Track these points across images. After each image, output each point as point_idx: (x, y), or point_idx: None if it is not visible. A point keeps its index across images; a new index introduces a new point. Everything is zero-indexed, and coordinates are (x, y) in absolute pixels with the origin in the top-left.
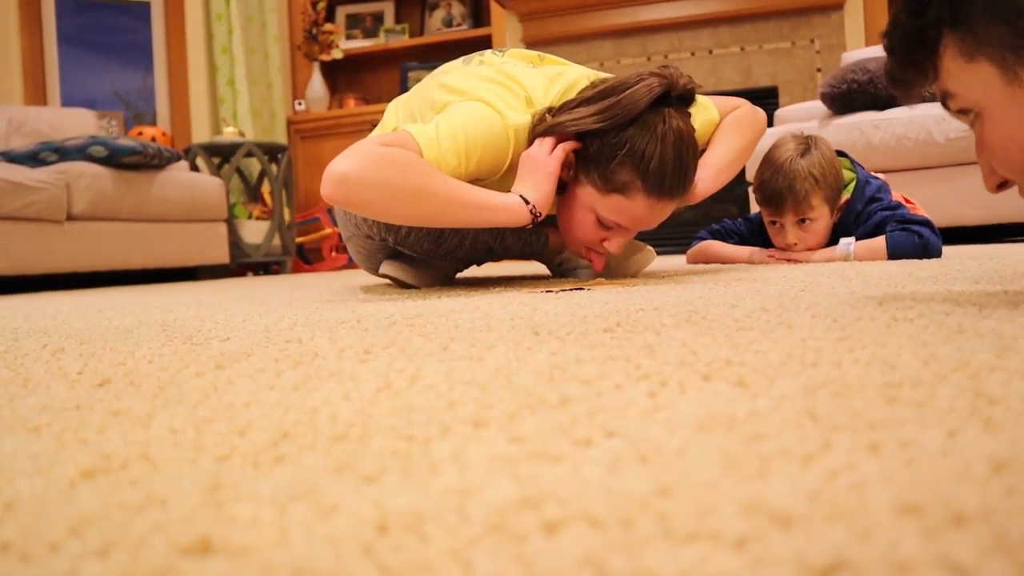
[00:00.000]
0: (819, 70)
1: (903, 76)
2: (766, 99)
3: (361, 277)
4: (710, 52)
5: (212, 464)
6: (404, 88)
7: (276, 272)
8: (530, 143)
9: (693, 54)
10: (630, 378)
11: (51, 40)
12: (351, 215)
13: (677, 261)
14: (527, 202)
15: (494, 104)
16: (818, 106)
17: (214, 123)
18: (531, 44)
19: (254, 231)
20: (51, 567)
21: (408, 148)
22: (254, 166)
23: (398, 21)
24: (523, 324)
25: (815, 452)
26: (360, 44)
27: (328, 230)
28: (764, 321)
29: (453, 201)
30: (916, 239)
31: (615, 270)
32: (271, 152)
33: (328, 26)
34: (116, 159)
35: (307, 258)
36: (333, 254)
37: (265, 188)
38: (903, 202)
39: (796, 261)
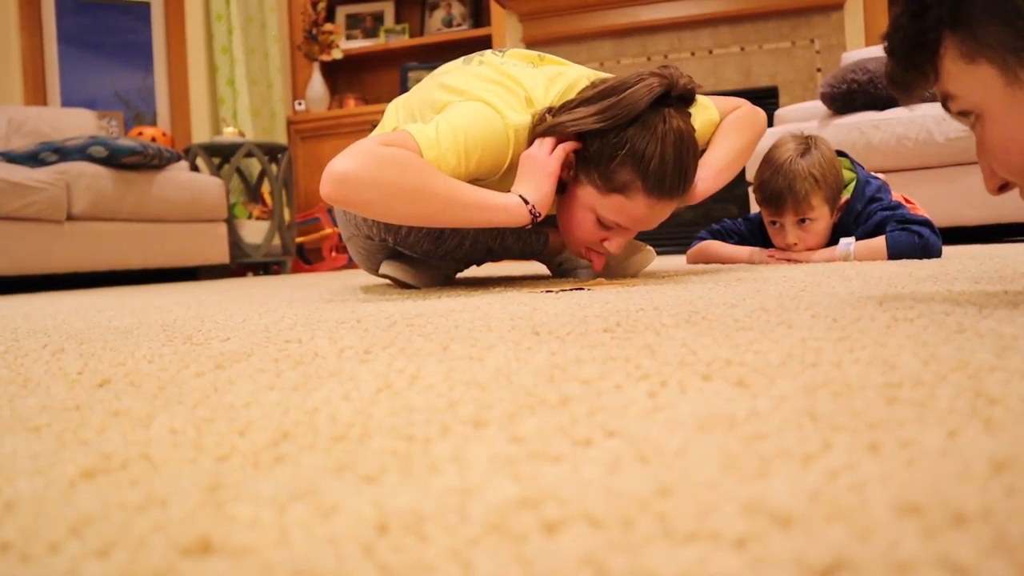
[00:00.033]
0: (819, 70)
1: (904, 78)
2: (766, 99)
3: (361, 277)
4: (710, 52)
5: (212, 464)
6: (404, 88)
7: (276, 272)
8: (530, 143)
9: (693, 54)
10: (630, 378)
11: (51, 40)
12: (351, 215)
13: (677, 261)
14: (527, 202)
15: (494, 104)
16: (818, 106)
17: (214, 123)
18: (531, 44)
19: (254, 231)
20: (51, 567)
21: (408, 148)
22: (254, 166)
23: (398, 21)
24: (523, 324)
25: (815, 452)
26: (360, 44)
27: (328, 230)
28: (764, 321)
29: (453, 201)
30: (916, 239)
31: (615, 270)
32: (271, 152)
33: (328, 26)
34: (116, 159)
35: (307, 258)
36: (333, 254)
37: (265, 188)
38: (903, 202)
39: (796, 261)
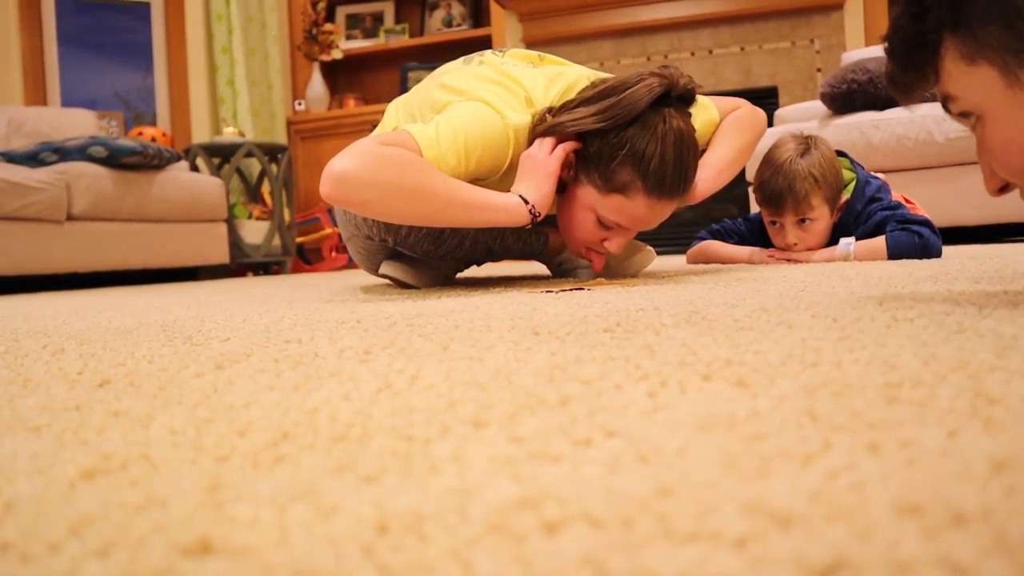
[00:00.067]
0: (819, 70)
1: (904, 79)
2: (766, 99)
3: (361, 277)
4: (710, 52)
5: (212, 464)
6: (404, 88)
7: (276, 272)
8: (530, 143)
9: (693, 54)
10: (630, 378)
11: (51, 40)
12: (351, 215)
13: (677, 261)
14: (527, 202)
15: (494, 104)
16: (818, 106)
17: (214, 123)
18: (531, 44)
19: (254, 231)
20: (51, 567)
21: (408, 147)
22: (254, 166)
23: (398, 21)
24: (523, 324)
25: (815, 452)
26: (360, 44)
27: (328, 230)
28: (764, 321)
29: (453, 201)
30: (916, 239)
31: (615, 270)
32: (271, 152)
33: (328, 26)
34: (116, 159)
35: (307, 258)
36: (333, 254)
37: (265, 188)
38: (903, 202)
39: (796, 261)
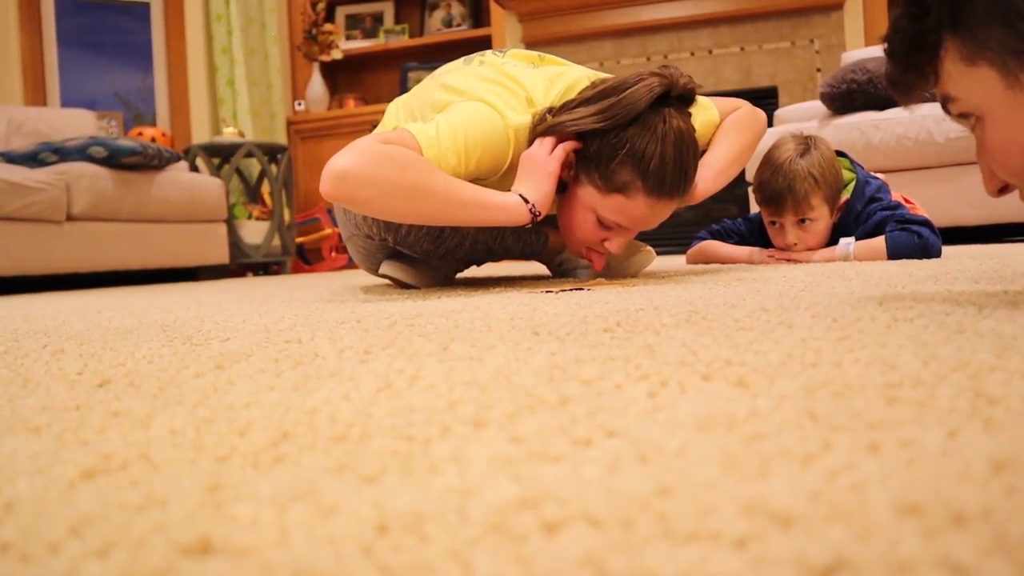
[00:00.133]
0: (819, 70)
1: (904, 80)
2: (766, 99)
3: (361, 277)
4: (710, 52)
5: (212, 464)
6: (404, 88)
7: (276, 272)
8: (530, 143)
9: (693, 54)
10: (630, 378)
11: (51, 40)
12: (351, 215)
13: (677, 261)
14: (527, 201)
15: (494, 104)
16: (818, 106)
17: (214, 124)
18: (531, 44)
19: (254, 231)
20: (51, 567)
21: (408, 146)
22: (254, 166)
23: (398, 21)
24: (523, 324)
25: (815, 452)
26: (360, 44)
27: (328, 230)
28: (764, 321)
29: (453, 200)
30: (916, 239)
31: (615, 270)
32: (271, 152)
33: (328, 26)
34: (116, 159)
35: (307, 258)
36: (333, 254)
37: (265, 188)
38: (903, 202)
39: (796, 261)
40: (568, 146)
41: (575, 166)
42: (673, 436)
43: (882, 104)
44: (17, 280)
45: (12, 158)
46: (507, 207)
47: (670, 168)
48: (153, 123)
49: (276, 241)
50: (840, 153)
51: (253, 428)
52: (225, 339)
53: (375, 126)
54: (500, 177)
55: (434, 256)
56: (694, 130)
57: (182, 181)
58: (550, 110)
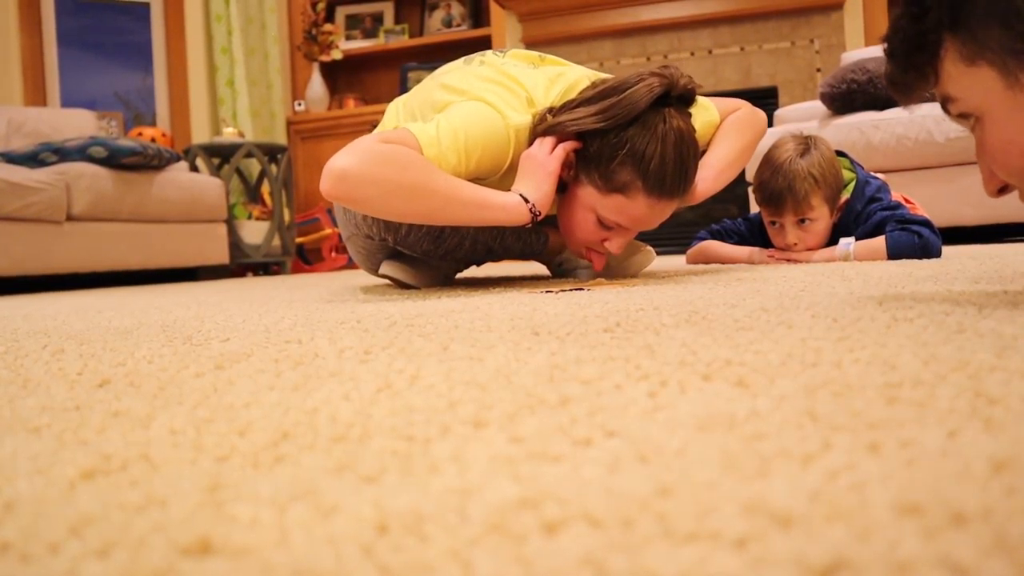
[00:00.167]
0: (819, 70)
1: (903, 80)
2: (766, 99)
3: (361, 277)
4: (710, 52)
5: (212, 464)
6: (404, 89)
7: (276, 272)
8: (531, 143)
9: (693, 54)
10: (630, 378)
11: (51, 41)
12: (351, 214)
13: (677, 261)
14: (527, 201)
15: (495, 104)
16: (818, 106)
17: (214, 124)
18: (531, 44)
19: (254, 231)
20: (51, 567)
21: (408, 146)
22: (254, 167)
23: (398, 21)
24: (523, 324)
25: (815, 452)
26: (360, 45)
27: (328, 230)
28: (764, 321)
29: (453, 199)
30: (916, 239)
31: (615, 270)
32: (271, 153)
33: (328, 27)
34: (116, 160)
35: (307, 258)
36: (333, 254)
37: (265, 189)
38: (903, 202)
39: (796, 261)
40: (568, 146)
41: (575, 166)
42: (673, 436)
43: (882, 104)
44: (17, 280)
45: (12, 158)
46: (507, 206)
47: (670, 168)
48: (153, 123)
49: (276, 241)
50: (840, 153)
51: (253, 428)
52: (225, 339)
53: (375, 126)
54: (500, 177)
55: (434, 256)
56: (694, 130)
57: (182, 181)
58: (550, 110)
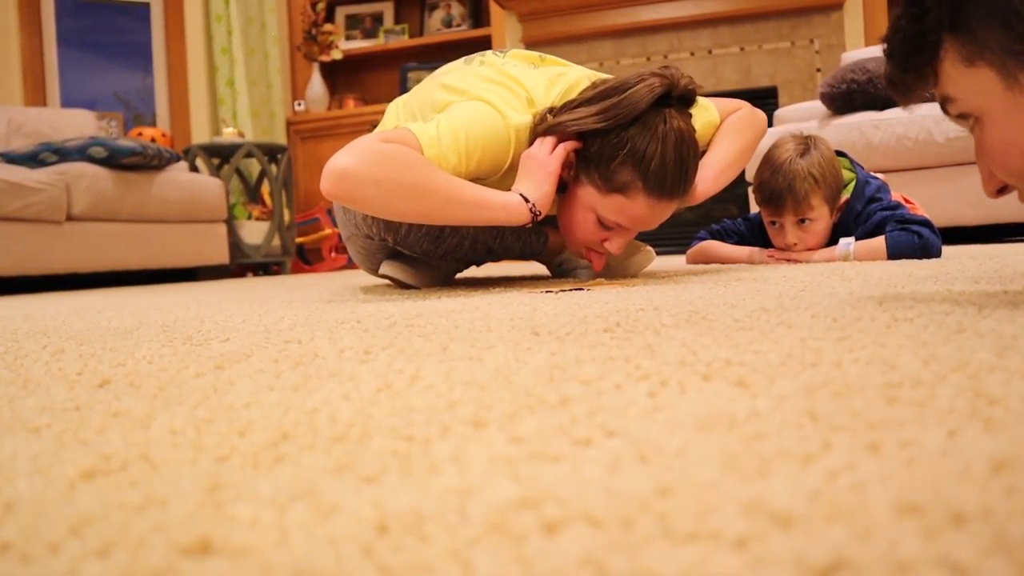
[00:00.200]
0: (819, 70)
1: (903, 81)
2: (766, 99)
3: (361, 277)
4: (710, 52)
5: (212, 464)
6: (404, 89)
7: (276, 273)
8: (531, 143)
9: (693, 54)
10: (630, 378)
11: (51, 41)
12: (351, 215)
13: (677, 261)
14: (527, 201)
15: (495, 104)
16: (818, 106)
17: (214, 124)
18: (531, 44)
19: (254, 232)
20: (51, 567)
21: (409, 146)
22: (254, 167)
23: (397, 22)
24: (523, 324)
25: (815, 452)
26: (360, 45)
27: (328, 231)
28: (764, 321)
29: (453, 199)
30: (916, 239)
31: (615, 270)
32: (271, 153)
33: (328, 27)
34: (116, 160)
35: (307, 259)
36: (333, 254)
37: (265, 189)
38: (903, 202)
39: (796, 261)
40: (568, 146)
41: (575, 166)
42: (673, 436)
43: (882, 104)
44: (17, 280)
45: (12, 158)
46: (507, 206)
47: (670, 168)
48: (153, 123)
49: (276, 241)
50: (840, 153)
51: (253, 428)
52: (225, 339)
53: (375, 126)
54: (501, 177)
55: (434, 256)
56: (694, 131)
57: (182, 181)
58: (551, 110)
